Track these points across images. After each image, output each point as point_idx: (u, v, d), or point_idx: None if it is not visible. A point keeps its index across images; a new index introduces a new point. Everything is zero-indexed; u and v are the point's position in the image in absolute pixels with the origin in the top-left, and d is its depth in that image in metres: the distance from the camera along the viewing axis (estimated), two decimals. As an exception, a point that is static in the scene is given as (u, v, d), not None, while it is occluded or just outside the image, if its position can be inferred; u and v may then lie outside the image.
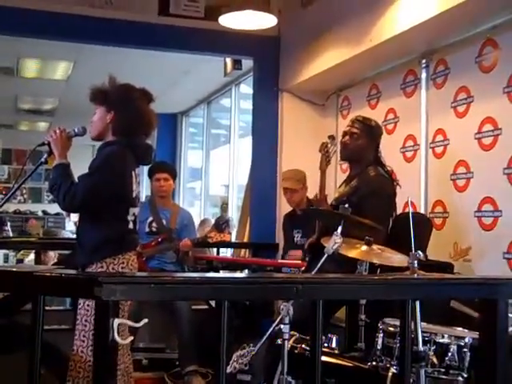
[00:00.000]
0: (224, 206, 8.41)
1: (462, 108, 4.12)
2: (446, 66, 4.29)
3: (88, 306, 3.11)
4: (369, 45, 4.45)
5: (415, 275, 2.57)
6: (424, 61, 4.48)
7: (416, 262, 2.59)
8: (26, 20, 5.11)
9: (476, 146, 3.97)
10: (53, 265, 5.96)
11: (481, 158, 3.96)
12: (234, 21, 4.84)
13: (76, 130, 3.37)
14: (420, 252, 2.61)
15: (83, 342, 3.14)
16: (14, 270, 2.23)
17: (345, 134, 3.96)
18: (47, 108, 10.43)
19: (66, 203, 3.18)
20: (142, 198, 5.47)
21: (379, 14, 4.32)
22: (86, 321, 3.14)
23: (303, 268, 4.36)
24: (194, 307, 4.88)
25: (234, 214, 7.67)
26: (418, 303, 2.41)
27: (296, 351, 2.97)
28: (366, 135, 3.89)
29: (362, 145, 3.88)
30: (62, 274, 1.95)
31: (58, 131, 3.31)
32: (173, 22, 5.45)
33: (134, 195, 3.32)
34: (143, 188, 8.98)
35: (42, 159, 3.35)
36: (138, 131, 3.35)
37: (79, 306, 3.20)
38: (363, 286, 2.13)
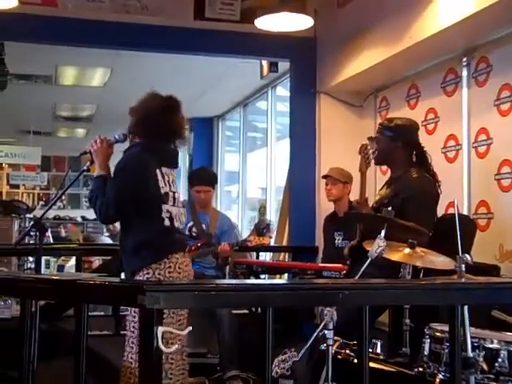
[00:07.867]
0: (262, 210, 8.38)
1: (505, 106, 4.02)
2: (488, 64, 4.20)
3: (135, 312, 3.11)
4: (408, 43, 4.38)
5: (463, 279, 2.50)
6: (465, 59, 4.40)
7: (463, 265, 2.52)
8: (64, 29, 5.17)
9: (521, 144, 3.89)
10: (92, 271, 6.00)
11: (526, 156, 3.87)
12: (270, 23, 4.80)
13: (117, 137, 3.38)
14: (467, 255, 2.54)
15: (132, 348, 3.15)
16: (58, 278, 2.22)
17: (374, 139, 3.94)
18: (85, 115, 10.55)
19: (103, 216, 3.23)
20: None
21: (419, 11, 4.24)
22: (133, 327, 3.16)
23: (344, 272, 4.31)
24: (234, 312, 4.86)
25: (272, 217, 7.63)
26: (466, 307, 2.34)
27: (340, 357, 2.93)
28: (388, 138, 3.81)
29: (386, 148, 3.81)
30: (105, 281, 1.94)
31: (98, 140, 3.32)
32: (209, 25, 5.45)
33: (162, 192, 3.26)
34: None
35: (85, 167, 3.40)
36: (160, 137, 3.34)
37: (127, 313, 3.23)
38: (410, 292, 2.08)
